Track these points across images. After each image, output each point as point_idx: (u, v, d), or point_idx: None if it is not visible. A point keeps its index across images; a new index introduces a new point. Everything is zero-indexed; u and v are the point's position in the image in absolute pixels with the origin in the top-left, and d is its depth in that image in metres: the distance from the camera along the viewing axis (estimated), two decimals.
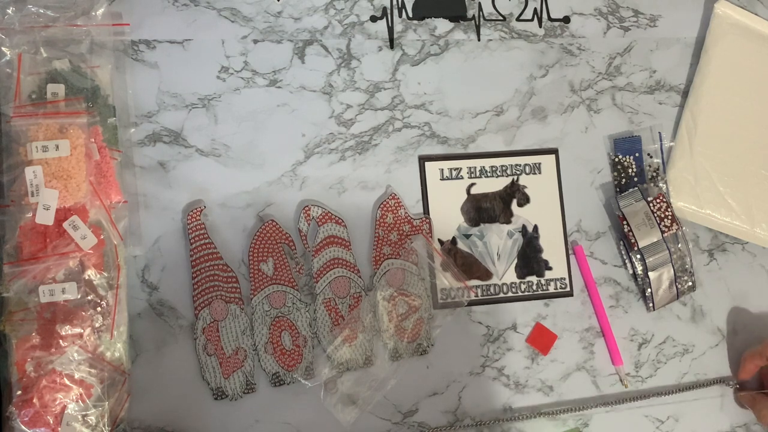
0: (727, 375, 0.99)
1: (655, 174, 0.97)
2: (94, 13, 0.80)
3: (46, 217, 0.73)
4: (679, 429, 0.97)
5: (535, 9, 0.97)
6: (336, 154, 0.89)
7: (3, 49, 0.76)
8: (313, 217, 0.87)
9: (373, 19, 0.92)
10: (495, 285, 0.92)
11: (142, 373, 0.81)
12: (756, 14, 1.03)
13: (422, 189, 0.92)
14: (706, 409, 0.98)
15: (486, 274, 0.92)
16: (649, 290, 0.95)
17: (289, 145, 0.88)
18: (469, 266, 0.92)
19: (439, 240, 0.91)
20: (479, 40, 0.95)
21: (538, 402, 0.92)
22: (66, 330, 0.73)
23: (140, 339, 0.81)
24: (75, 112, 0.76)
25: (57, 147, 0.74)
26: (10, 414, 0.72)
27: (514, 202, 0.94)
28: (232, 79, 0.87)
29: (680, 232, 0.95)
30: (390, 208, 0.90)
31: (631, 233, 0.94)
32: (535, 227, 0.94)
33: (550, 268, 0.94)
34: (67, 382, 0.73)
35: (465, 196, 0.93)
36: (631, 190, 0.96)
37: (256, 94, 0.88)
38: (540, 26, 0.97)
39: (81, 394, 0.73)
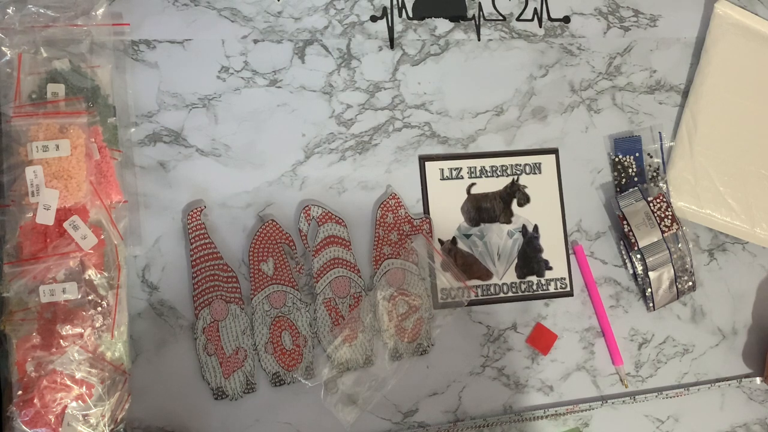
0: (728, 375, 0.99)
1: (655, 174, 0.97)
2: (94, 13, 0.80)
3: (46, 217, 0.73)
4: (679, 429, 0.97)
5: (535, 9, 0.97)
6: (336, 154, 0.89)
7: (3, 49, 0.76)
8: (313, 217, 0.87)
9: (373, 19, 0.92)
10: (495, 285, 0.92)
11: (142, 373, 0.81)
12: (756, 14, 1.03)
13: (422, 189, 0.92)
14: (706, 409, 0.98)
15: (486, 274, 0.92)
16: (649, 290, 0.95)
17: (289, 145, 0.88)
18: (469, 266, 0.92)
19: (439, 240, 0.92)
20: (479, 40, 0.95)
21: (538, 402, 0.92)
22: (66, 330, 0.73)
23: (140, 339, 0.81)
24: (75, 112, 0.76)
25: (57, 147, 0.74)
26: (11, 414, 0.72)
27: (515, 201, 0.94)
28: (232, 79, 0.87)
29: (680, 232, 0.95)
30: (390, 208, 0.90)
31: (631, 233, 0.94)
32: (536, 227, 0.94)
33: (550, 268, 0.94)
34: (67, 382, 0.73)
35: (465, 196, 0.93)
36: (631, 190, 0.96)
37: (256, 94, 0.88)
38: (540, 26, 0.97)
39: (82, 394, 0.73)
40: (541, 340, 0.93)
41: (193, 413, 0.82)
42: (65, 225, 0.74)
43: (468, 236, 0.92)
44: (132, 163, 0.83)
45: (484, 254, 0.93)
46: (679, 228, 0.95)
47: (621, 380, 0.95)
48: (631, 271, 0.96)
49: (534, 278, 0.94)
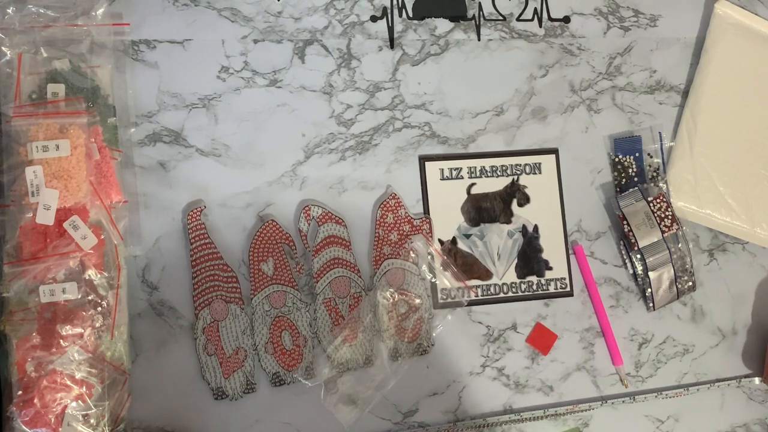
0: (728, 375, 0.99)
1: (655, 174, 0.97)
2: (94, 13, 0.80)
3: (46, 217, 0.73)
4: (679, 429, 0.97)
5: (535, 9, 0.97)
6: (336, 154, 0.89)
7: (3, 49, 0.76)
8: (313, 217, 0.87)
9: (373, 19, 0.92)
10: (495, 285, 0.92)
11: (142, 373, 0.81)
12: (756, 14, 1.03)
13: (422, 189, 0.92)
14: (706, 409, 0.98)
15: (486, 274, 0.92)
16: (649, 290, 0.95)
17: (289, 145, 0.88)
18: (469, 266, 0.92)
19: (439, 240, 0.91)
20: (479, 40, 0.95)
21: (538, 402, 0.92)
22: (66, 330, 0.73)
23: (140, 339, 0.81)
24: (75, 112, 0.76)
25: (57, 147, 0.74)
26: (11, 414, 0.72)
27: (515, 202, 0.94)
28: (232, 79, 0.87)
29: (680, 232, 0.95)
30: (390, 208, 0.90)
31: (631, 233, 0.94)
32: (536, 227, 0.94)
33: (550, 268, 0.94)
34: (67, 382, 0.73)
35: (465, 196, 0.93)
36: (631, 190, 0.96)
37: (256, 94, 0.88)
38: (540, 26, 0.97)
39: (82, 394, 0.73)
40: (541, 340, 0.93)
41: (193, 413, 0.82)
42: (65, 225, 0.74)
43: (468, 236, 0.92)
44: (132, 163, 0.83)
45: (484, 254, 0.93)
46: (679, 228, 0.95)
47: (621, 380, 0.95)
48: (631, 271, 0.96)
49: (534, 278, 0.93)
